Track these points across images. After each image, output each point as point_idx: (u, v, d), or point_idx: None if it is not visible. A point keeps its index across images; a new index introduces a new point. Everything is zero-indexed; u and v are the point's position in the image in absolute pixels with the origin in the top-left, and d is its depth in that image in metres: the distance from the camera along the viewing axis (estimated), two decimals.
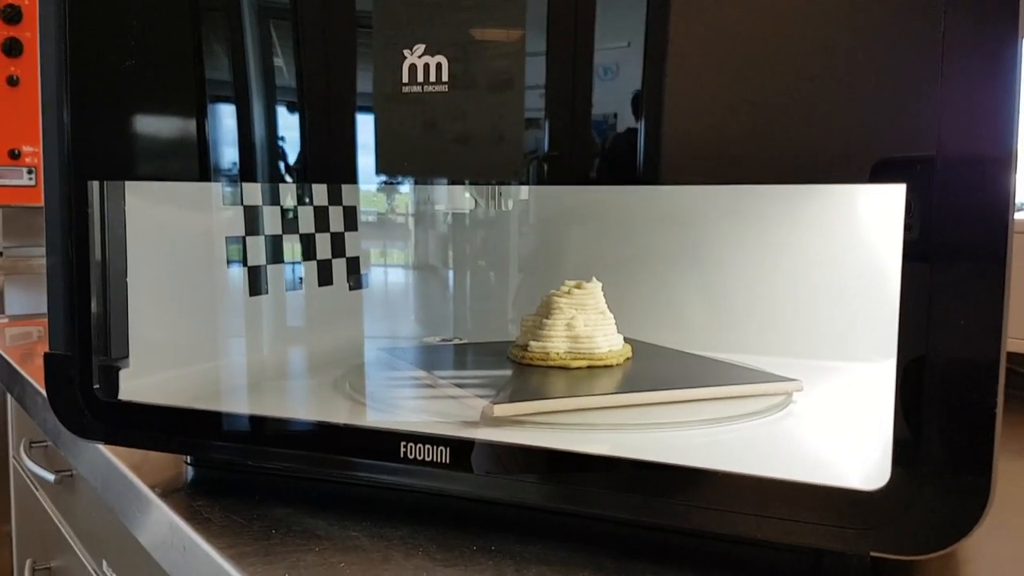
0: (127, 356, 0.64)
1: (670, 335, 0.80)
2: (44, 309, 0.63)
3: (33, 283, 2.10)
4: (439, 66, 0.51)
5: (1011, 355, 0.44)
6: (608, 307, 0.74)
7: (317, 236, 0.85)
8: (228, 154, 0.59)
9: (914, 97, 0.41)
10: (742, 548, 0.51)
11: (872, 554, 0.45)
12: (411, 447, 0.54)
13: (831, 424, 0.65)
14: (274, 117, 0.58)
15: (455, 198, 0.85)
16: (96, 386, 0.62)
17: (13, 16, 2.05)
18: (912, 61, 0.41)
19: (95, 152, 0.60)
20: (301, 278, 0.84)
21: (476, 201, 0.85)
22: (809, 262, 0.77)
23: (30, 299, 2.06)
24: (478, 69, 0.51)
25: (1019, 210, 0.45)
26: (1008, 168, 0.40)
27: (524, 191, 0.84)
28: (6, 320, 1.61)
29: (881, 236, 0.70)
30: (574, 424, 0.61)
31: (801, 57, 0.44)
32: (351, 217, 0.89)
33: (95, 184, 0.60)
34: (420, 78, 0.51)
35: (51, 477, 1.07)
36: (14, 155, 2.07)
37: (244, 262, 0.78)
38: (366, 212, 0.91)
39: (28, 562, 1.27)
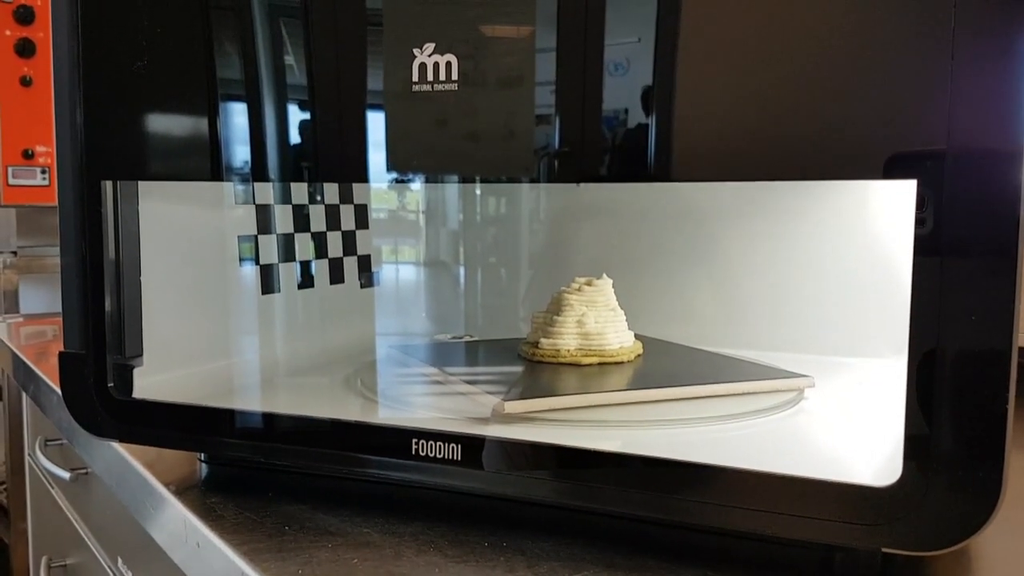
0: (141, 354, 0.64)
1: (681, 331, 0.80)
2: (59, 308, 0.63)
3: (47, 282, 2.12)
4: (448, 65, 0.51)
5: (1023, 349, 0.44)
6: (620, 303, 0.74)
7: (328, 234, 0.85)
8: (240, 153, 0.59)
9: (925, 92, 0.41)
10: (753, 544, 0.51)
11: (883, 550, 0.45)
12: (423, 444, 0.54)
13: (843, 420, 0.65)
14: (285, 116, 0.59)
15: None
16: (110, 384, 0.62)
17: (26, 16, 2.06)
18: (922, 56, 0.41)
19: (108, 152, 0.61)
20: (313, 276, 0.84)
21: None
22: (821, 257, 0.76)
23: (45, 298, 2.08)
24: (488, 67, 0.51)
25: None
26: (1019, 162, 0.40)
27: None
28: (21, 319, 1.62)
29: (893, 231, 0.69)
30: (585, 421, 0.61)
31: (812, 53, 0.44)
32: (362, 215, 0.89)
33: (108, 184, 0.61)
34: (430, 77, 0.51)
35: (66, 475, 1.08)
36: (28, 155, 2.08)
37: (256, 260, 0.78)
38: (377, 209, 0.92)
39: (44, 559, 1.27)
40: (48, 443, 1.24)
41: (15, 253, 2.24)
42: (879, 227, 0.72)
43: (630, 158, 0.50)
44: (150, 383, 0.64)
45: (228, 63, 0.59)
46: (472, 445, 0.53)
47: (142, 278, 0.64)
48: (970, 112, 0.40)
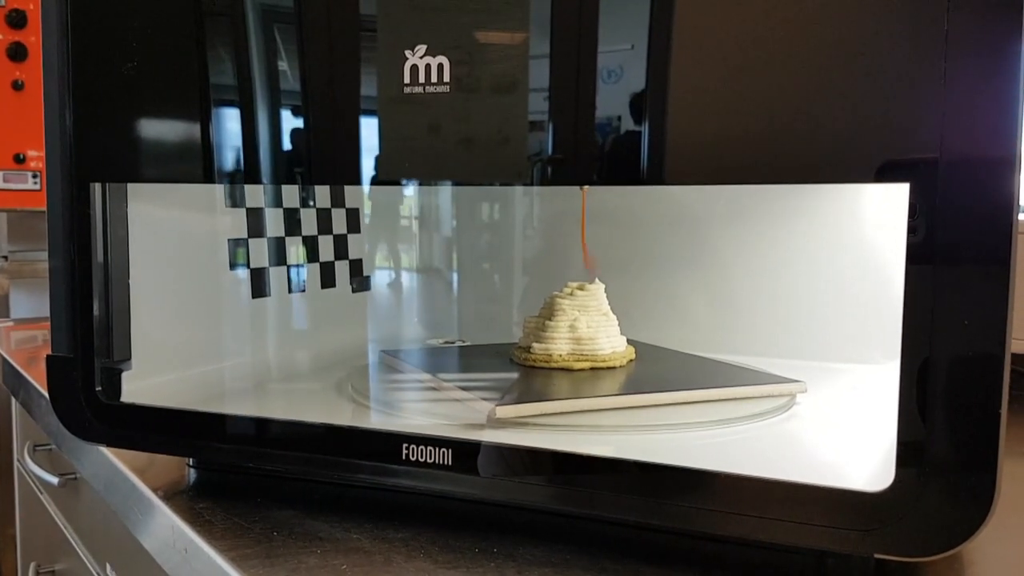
0: (129, 358, 0.64)
1: (675, 336, 0.80)
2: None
3: (39, 287, 2.10)
4: (440, 67, 0.51)
5: (1015, 356, 0.44)
6: (613, 308, 0.74)
7: (320, 238, 0.85)
8: (230, 156, 0.59)
9: (918, 97, 0.41)
10: (746, 550, 0.51)
11: (876, 556, 0.45)
12: (413, 449, 0.53)
13: (835, 426, 0.65)
14: (277, 119, 0.58)
15: None
16: (98, 388, 0.62)
17: (18, 20, 2.06)
18: (915, 61, 0.41)
19: (97, 154, 0.60)
20: (304, 280, 0.84)
21: None
22: (814, 263, 0.76)
23: (36, 303, 2.07)
24: (481, 71, 0.50)
25: (1023, 211, 0.45)
26: (1012, 169, 0.40)
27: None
28: (11, 324, 1.61)
29: (886, 237, 0.69)
30: (577, 426, 0.61)
31: (805, 57, 0.44)
32: (354, 219, 0.89)
33: (97, 186, 0.60)
34: (421, 79, 0.51)
35: (55, 480, 1.08)
36: (19, 159, 2.07)
37: (247, 264, 0.78)
38: (370, 213, 0.91)
39: (32, 565, 1.27)
40: (37, 448, 1.24)
41: (6, 258, 2.23)
42: (872, 233, 0.72)
43: (624, 162, 0.49)
44: (138, 387, 0.64)
45: (219, 66, 0.59)
46: (463, 450, 0.53)
47: (131, 281, 0.63)
48: (963, 118, 0.40)
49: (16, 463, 1.43)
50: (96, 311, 0.61)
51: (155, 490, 0.62)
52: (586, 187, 0.75)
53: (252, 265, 0.78)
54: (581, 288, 0.74)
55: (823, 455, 0.58)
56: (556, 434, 0.60)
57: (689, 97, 0.47)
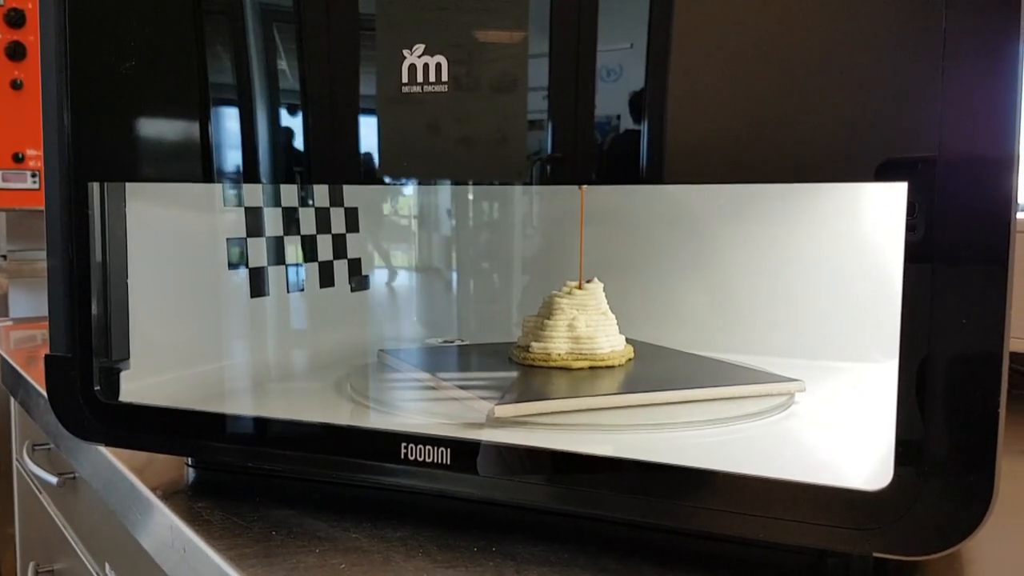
0: (128, 358, 0.64)
1: (674, 335, 0.80)
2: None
3: (38, 286, 2.10)
4: (439, 66, 0.51)
5: (1014, 355, 0.44)
6: (613, 307, 0.74)
7: (319, 237, 0.85)
8: (229, 155, 0.59)
9: (916, 96, 0.41)
10: (745, 549, 0.51)
11: (875, 554, 0.45)
12: (412, 448, 0.53)
13: (834, 424, 0.65)
14: (276, 118, 0.58)
15: None
16: (97, 388, 0.62)
17: (17, 20, 2.05)
18: (913, 60, 0.41)
19: (95, 153, 0.60)
20: (303, 280, 0.84)
21: None
22: (813, 262, 0.76)
23: (35, 302, 2.07)
24: (479, 70, 0.50)
25: (1022, 210, 0.45)
26: (1010, 168, 0.40)
27: None
28: (10, 323, 1.61)
29: (885, 236, 0.69)
30: (575, 425, 0.61)
31: (804, 56, 0.44)
32: (352, 218, 0.89)
33: (95, 186, 0.60)
34: (420, 78, 0.51)
35: (54, 480, 1.07)
36: (18, 159, 2.07)
37: (246, 263, 0.78)
38: (368, 213, 0.91)
39: (31, 565, 1.27)
40: (36, 448, 1.24)
41: (5, 257, 2.22)
42: (871, 232, 0.72)
43: (623, 161, 0.49)
44: (137, 387, 0.64)
45: (217, 65, 0.58)
46: (461, 449, 0.53)
47: (129, 281, 0.63)
48: (961, 116, 0.40)
49: (15, 463, 1.43)
50: (95, 310, 0.61)
51: (154, 489, 0.62)
52: (585, 186, 0.75)
53: (251, 264, 0.78)
54: (579, 287, 0.74)
55: (822, 454, 0.58)
56: (555, 433, 0.60)
57: (688, 96, 0.47)
